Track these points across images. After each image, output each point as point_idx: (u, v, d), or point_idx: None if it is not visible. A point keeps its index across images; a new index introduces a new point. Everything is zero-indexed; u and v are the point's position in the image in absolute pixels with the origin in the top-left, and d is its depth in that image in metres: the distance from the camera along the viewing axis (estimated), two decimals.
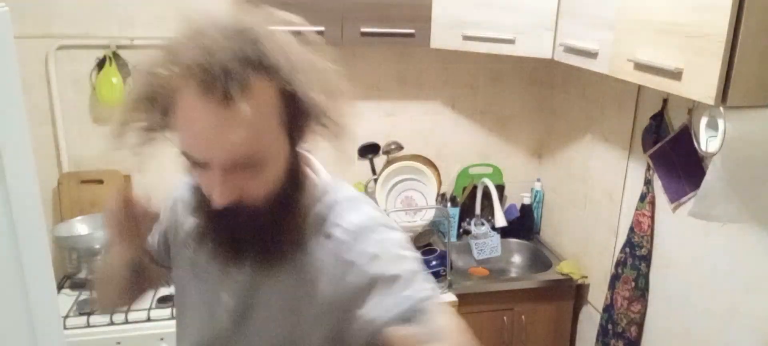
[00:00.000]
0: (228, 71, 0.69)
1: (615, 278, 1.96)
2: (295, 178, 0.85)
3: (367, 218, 0.88)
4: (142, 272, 1.03)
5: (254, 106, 0.72)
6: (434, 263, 2.14)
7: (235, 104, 0.70)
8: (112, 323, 1.84)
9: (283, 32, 0.79)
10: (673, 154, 1.73)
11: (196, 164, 0.77)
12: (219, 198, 0.76)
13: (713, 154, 1.31)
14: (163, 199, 1.07)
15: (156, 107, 0.76)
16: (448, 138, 2.51)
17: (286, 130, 0.79)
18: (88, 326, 1.82)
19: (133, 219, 0.96)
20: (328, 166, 0.99)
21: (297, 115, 0.78)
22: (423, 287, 0.82)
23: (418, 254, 0.88)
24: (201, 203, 0.84)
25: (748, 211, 1.42)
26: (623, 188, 2.02)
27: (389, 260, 0.83)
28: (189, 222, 0.93)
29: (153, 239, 1.06)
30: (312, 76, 0.78)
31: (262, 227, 0.82)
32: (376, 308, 0.80)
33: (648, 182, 1.84)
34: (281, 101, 0.76)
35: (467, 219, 2.47)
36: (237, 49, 0.71)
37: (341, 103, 0.84)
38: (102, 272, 1.10)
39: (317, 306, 0.86)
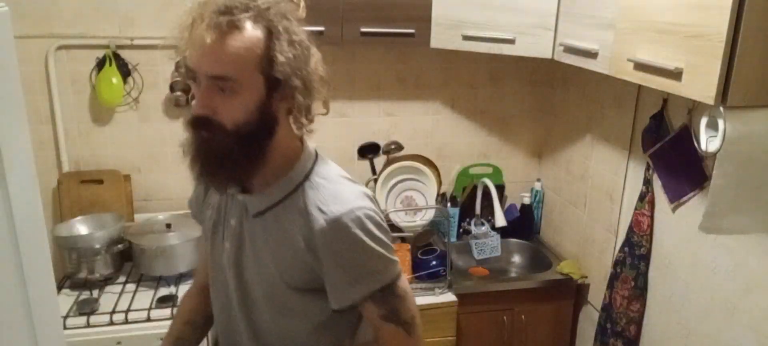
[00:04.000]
0: (231, 11, 0.92)
1: (614, 278, 1.96)
2: (267, 125, 0.99)
3: (348, 210, 1.01)
4: None
5: (240, 42, 0.92)
6: (434, 263, 2.14)
7: (226, 34, 0.92)
8: (112, 323, 1.84)
9: (293, 12, 0.99)
10: (673, 154, 1.73)
11: (193, 79, 0.96)
12: (197, 105, 0.96)
13: (713, 155, 1.31)
14: None
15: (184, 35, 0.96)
16: (448, 138, 2.51)
17: (264, 79, 0.95)
18: (88, 326, 1.82)
19: None
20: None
21: (273, 74, 0.95)
22: (389, 275, 1.04)
23: (387, 236, 1.05)
24: (189, 121, 1.00)
25: (757, 221, 1.40)
26: (623, 188, 2.02)
27: (362, 255, 1.02)
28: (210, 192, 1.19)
29: (192, 201, 1.28)
30: (296, 56, 0.97)
31: (228, 149, 0.97)
32: (348, 290, 1.03)
33: (647, 182, 1.84)
34: (265, 54, 0.94)
35: (467, 219, 2.47)
36: (248, 4, 0.94)
37: (313, 93, 1.02)
38: None
39: (295, 259, 1.04)
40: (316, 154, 1.11)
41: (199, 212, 1.24)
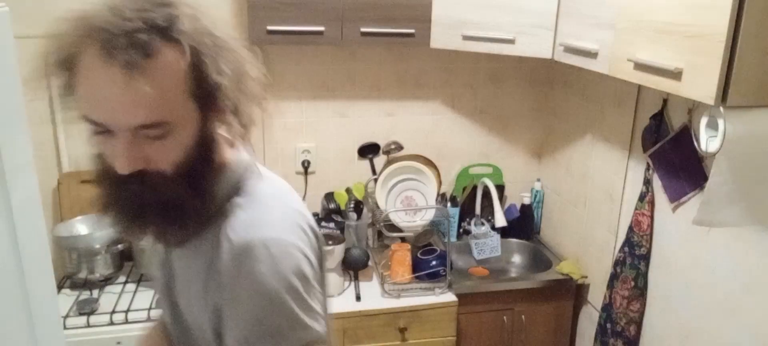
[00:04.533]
0: (132, 36, 0.70)
1: (614, 278, 1.96)
2: (206, 151, 0.82)
3: (259, 239, 0.80)
4: None
5: (160, 72, 0.72)
6: (434, 263, 2.14)
7: (138, 69, 0.70)
8: (112, 323, 1.84)
9: (213, 17, 0.80)
10: (673, 154, 1.73)
11: (100, 131, 0.76)
12: (123, 165, 0.75)
13: (713, 154, 1.31)
14: None
15: (64, 70, 0.76)
16: (448, 138, 2.51)
17: (196, 103, 0.78)
18: (88, 326, 1.82)
19: None
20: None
21: (206, 92, 0.78)
22: (295, 338, 0.79)
23: (311, 291, 0.83)
24: (104, 171, 0.81)
25: (751, 214, 1.41)
26: (623, 188, 2.02)
27: (261, 304, 0.78)
28: None
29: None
30: (225, 61, 0.78)
31: (167, 197, 0.79)
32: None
33: (647, 182, 1.84)
34: (190, 73, 0.75)
35: (467, 219, 2.47)
36: (146, 17, 0.72)
37: (250, 99, 0.83)
38: None
39: (200, 296, 0.86)
40: (250, 166, 0.91)
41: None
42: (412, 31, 2.04)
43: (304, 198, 2.39)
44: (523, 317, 2.20)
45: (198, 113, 0.79)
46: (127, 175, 0.76)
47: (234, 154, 0.90)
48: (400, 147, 2.41)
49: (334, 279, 2.05)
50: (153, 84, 0.72)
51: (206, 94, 0.78)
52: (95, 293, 1.98)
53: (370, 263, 2.18)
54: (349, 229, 2.23)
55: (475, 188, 2.45)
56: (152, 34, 0.72)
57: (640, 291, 1.89)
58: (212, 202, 0.85)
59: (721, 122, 1.25)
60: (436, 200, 2.39)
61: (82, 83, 0.74)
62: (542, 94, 2.52)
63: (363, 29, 2.00)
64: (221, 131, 0.86)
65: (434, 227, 2.36)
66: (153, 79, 0.72)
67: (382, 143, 2.41)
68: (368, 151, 2.40)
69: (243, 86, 0.81)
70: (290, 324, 0.79)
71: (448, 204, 2.44)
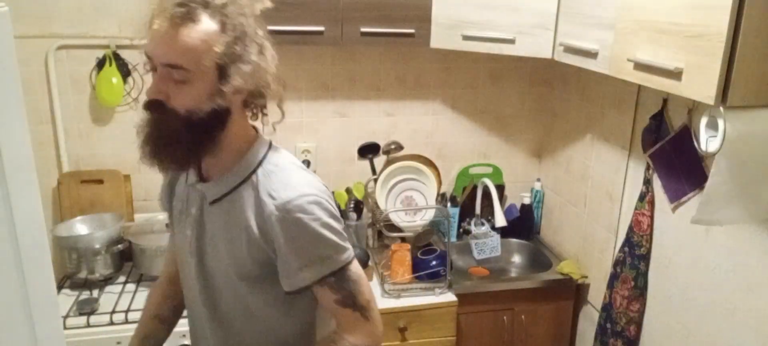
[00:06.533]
0: (187, 5, 0.97)
1: (614, 278, 1.96)
2: (219, 116, 1.03)
3: (296, 196, 1.05)
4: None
5: (195, 33, 0.97)
6: (434, 263, 2.14)
7: (179, 25, 0.96)
8: (112, 323, 1.84)
9: (254, 9, 1.04)
10: (673, 154, 1.73)
11: (150, 67, 1.02)
12: (150, 89, 1.00)
13: (713, 155, 1.31)
14: None
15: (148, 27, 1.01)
16: (448, 138, 2.51)
17: (216, 71, 0.99)
18: (88, 326, 1.82)
19: None
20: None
21: (228, 64, 0.99)
22: (339, 260, 1.08)
23: (338, 222, 1.09)
24: (144, 102, 1.04)
25: (750, 212, 1.42)
26: (623, 188, 2.02)
27: (311, 240, 1.05)
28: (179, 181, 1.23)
29: (161, 191, 1.30)
30: (253, 50, 1.01)
31: (177, 133, 1.00)
32: (298, 274, 1.07)
33: (647, 182, 1.84)
34: (219, 47, 0.98)
35: (467, 219, 2.47)
36: None
37: (269, 88, 1.07)
38: None
39: (249, 244, 1.07)
40: (270, 144, 1.15)
41: (167, 202, 1.28)
42: (411, 31, 2.04)
43: None
44: (523, 317, 2.20)
45: (216, 78, 0.99)
46: (152, 105, 1.00)
47: (259, 134, 1.15)
48: (400, 147, 2.41)
49: None
50: (186, 37, 0.96)
51: (228, 66, 0.99)
52: (95, 293, 1.98)
53: (370, 263, 2.18)
54: (349, 229, 2.23)
55: (475, 188, 2.45)
56: (200, 7, 0.97)
57: (640, 291, 1.89)
58: (211, 152, 1.06)
59: (721, 122, 1.25)
60: (436, 199, 2.39)
61: (149, 29, 1.00)
62: (542, 94, 2.52)
63: (363, 29, 2.00)
64: (247, 114, 1.10)
65: (434, 227, 2.36)
66: (188, 35, 0.96)
67: (382, 143, 2.41)
68: (368, 151, 2.40)
69: (261, 76, 1.03)
70: (333, 248, 1.08)
71: (448, 204, 2.44)
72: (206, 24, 0.97)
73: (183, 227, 1.19)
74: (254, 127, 1.15)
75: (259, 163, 1.10)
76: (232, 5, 1.00)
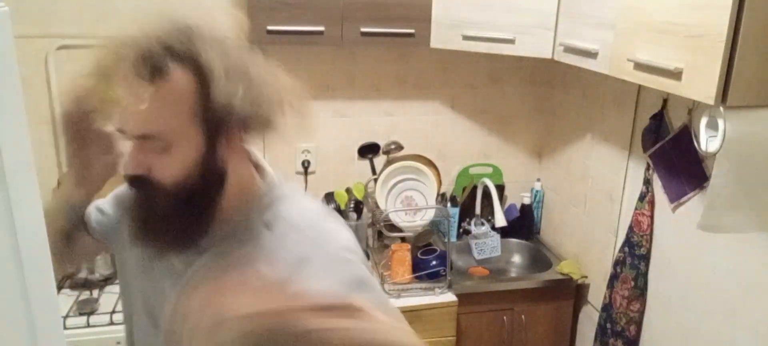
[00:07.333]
0: (150, 55, 0.77)
1: (614, 278, 1.96)
2: (215, 177, 0.85)
3: (315, 214, 0.91)
4: (74, 243, 1.06)
5: (164, 91, 0.78)
6: (434, 263, 2.14)
7: (147, 83, 0.77)
8: (112, 323, 1.84)
9: (231, 39, 0.83)
10: (673, 154, 1.73)
11: (122, 135, 0.84)
12: (126, 165, 0.83)
13: (713, 154, 1.31)
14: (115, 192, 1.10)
15: (99, 80, 0.84)
16: (448, 138, 2.51)
17: (201, 125, 0.81)
18: (88, 326, 1.82)
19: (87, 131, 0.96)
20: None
21: (215, 117, 0.80)
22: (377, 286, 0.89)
23: (361, 254, 0.91)
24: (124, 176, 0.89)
25: (757, 220, 1.40)
26: (623, 188, 2.02)
27: (337, 262, 0.86)
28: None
29: (92, 214, 1.08)
30: (241, 85, 0.80)
31: (171, 211, 0.84)
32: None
33: (647, 182, 1.84)
34: (199, 97, 0.79)
35: (467, 219, 2.47)
36: (165, 39, 0.78)
37: (271, 109, 0.84)
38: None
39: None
40: (278, 185, 0.93)
41: (112, 233, 1.06)
42: (411, 31, 2.04)
43: None
44: (523, 317, 2.20)
45: (203, 138, 0.82)
46: (132, 179, 0.84)
47: (261, 172, 0.94)
48: (400, 147, 2.41)
49: None
50: (157, 102, 0.78)
51: (215, 119, 0.81)
52: (95, 293, 1.98)
53: (370, 263, 2.18)
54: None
55: (475, 188, 2.45)
56: (166, 55, 0.78)
57: (640, 291, 1.89)
58: (211, 224, 0.87)
59: (721, 122, 1.25)
60: (436, 199, 2.39)
61: (107, 91, 0.81)
62: (542, 94, 2.52)
63: (363, 29, 2.00)
64: (246, 150, 0.90)
65: (434, 227, 2.36)
66: (157, 98, 0.78)
67: (382, 143, 2.41)
68: (368, 151, 2.40)
69: (256, 104, 0.82)
70: (368, 276, 0.88)
71: (448, 204, 2.44)
72: (179, 77, 0.78)
73: (148, 277, 0.97)
74: (256, 165, 0.94)
75: (260, 218, 0.90)
76: (200, 41, 0.79)
